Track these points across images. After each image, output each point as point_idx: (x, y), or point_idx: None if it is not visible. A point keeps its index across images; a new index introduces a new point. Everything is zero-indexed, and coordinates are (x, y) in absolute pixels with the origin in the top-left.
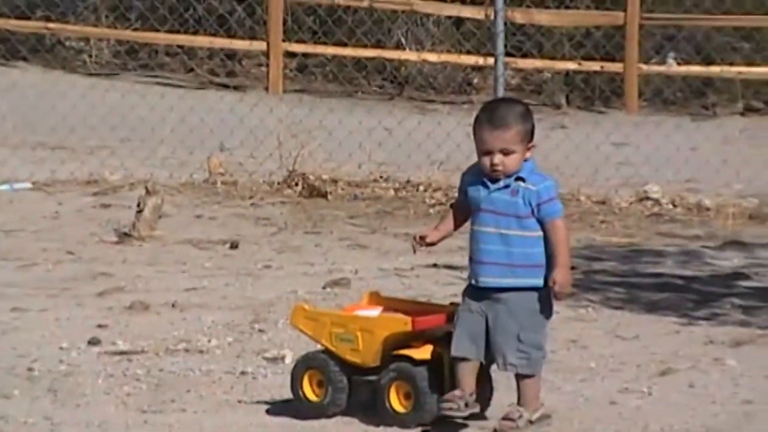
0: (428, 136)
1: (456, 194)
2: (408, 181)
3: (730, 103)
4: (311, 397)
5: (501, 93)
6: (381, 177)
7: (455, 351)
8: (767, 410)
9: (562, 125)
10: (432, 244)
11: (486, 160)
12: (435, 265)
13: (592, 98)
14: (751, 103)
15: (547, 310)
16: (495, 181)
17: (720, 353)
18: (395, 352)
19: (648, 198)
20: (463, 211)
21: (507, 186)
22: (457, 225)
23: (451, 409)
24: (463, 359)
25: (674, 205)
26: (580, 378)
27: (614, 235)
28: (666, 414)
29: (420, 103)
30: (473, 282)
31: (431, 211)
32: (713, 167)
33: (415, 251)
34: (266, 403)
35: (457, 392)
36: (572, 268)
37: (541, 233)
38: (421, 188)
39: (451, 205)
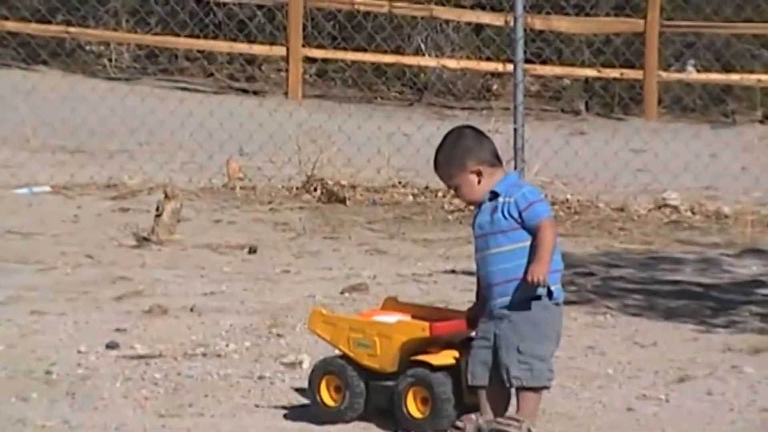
0: None
1: None
2: (427, 187)
3: (750, 111)
4: (329, 402)
5: (520, 99)
6: (400, 182)
7: (471, 381)
8: None
9: (581, 132)
10: None
11: None
12: (453, 271)
13: (611, 105)
14: None
15: (550, 319)
16: (476, 207)
17: (738, 361)
18: (413, 358)
19: (667, 205)
20: None
21: (485, 206)
22: None
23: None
24: (481, 387)
25: (693, 213)
26: (597, 384)
27: (633, 242)
28: (683, 421)
29: (439, 109)
30: (486, 307)
31: (449, 217)
32: (732, 175)
33: None
34: (283, 407)
35: (472, 416)
36: (591, 274)
37: (531, 243)
38: (440, 194)
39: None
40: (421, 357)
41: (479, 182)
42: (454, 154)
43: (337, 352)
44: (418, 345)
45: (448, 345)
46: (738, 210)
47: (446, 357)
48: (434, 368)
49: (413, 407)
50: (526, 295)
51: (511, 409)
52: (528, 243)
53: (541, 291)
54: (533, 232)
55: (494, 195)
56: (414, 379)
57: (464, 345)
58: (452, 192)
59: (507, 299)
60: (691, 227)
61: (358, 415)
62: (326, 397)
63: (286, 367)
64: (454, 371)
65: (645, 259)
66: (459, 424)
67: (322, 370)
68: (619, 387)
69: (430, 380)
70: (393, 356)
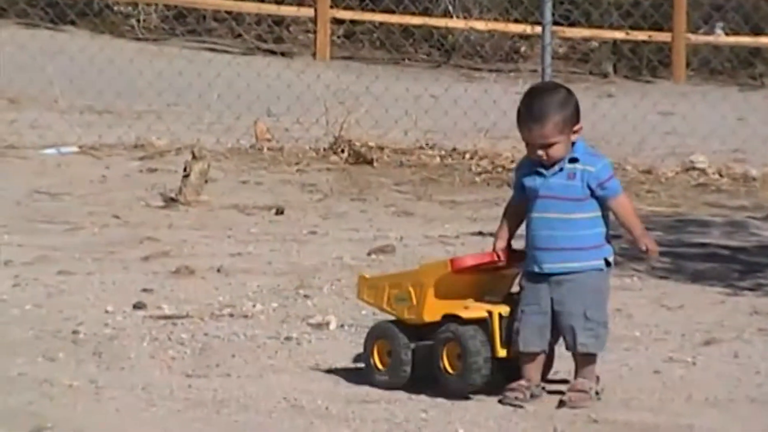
0: (475, 103)
1: (500, 163)
2: (454, 149)
3: None
4: (381, 367)
5: (548, 62)
6: (427, 144)
7: (523, 347)
8: None
9: (609, 94)
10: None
11: (530, 152)
12: (480, 233)
13: (639, 68)
14: None
15: (607, 287)
16: (549, 166)
17: (765, 323)
18: (447, 312)
19: (694, 168)
20: (522, 206)
21: (562, 170)
22: (520, 222)
23: (516, 398)
24: (530, 354)
25: (720, 176)
26: (624, 347)
27: (660, 204)
28: (710, 384)
29: (467, 71)
30: (536, 269)
31: (477, 179)
32: (760, 138)
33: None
34: (310, 368)
35: (523, 382)
36: (617, 236)
37: (599, 213)
38: (467, 156)
39: (506, 208)
40: (454, 311)
41: (573, 143)
42: (566, 108)
43: (388, 317)
44: (453, 289)
45: (506, 299)
46: (766, 173)
47: (478, 310)
48: (464, 321)
49: (448, 363)
50: (592, 265)
51: (562, 374)
52: (595, 214)
53: (601, 264)
54: (608, 204)
55: (574, 160)
56: (447, 334)
57: (514, 301)
58: (536, 148)
59: (571, 265)
60: (718, 190)
61: (407, 381)
62: (378, 362)
63: (313, 328)
64: (486, 325)
65: (672, 222)
66: (513, 387)
67: (374, 335)
68: (646, 349)
69: (459, 334)
70: (428, 304)
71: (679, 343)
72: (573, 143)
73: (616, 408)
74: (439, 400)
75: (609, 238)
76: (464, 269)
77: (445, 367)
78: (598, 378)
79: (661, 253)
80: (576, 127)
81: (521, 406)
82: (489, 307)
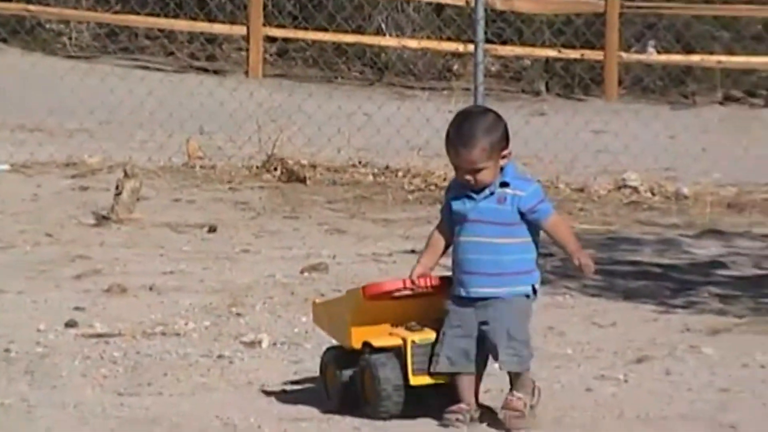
0: (407, 121)
1: (433, 180)
2: (387, 167)
3: (710, 92)
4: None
5: (481, 80)
6: (360, 162)
7: (448, 367)
8: (743, 398)
9: (542, 112)
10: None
11: (459, 176)
12: (413, 251)
13: (571, 85)
14: (730, 92)
15: (531, 310)
16: (479, 191)
17: (697, 341)
18: (365, 339)
19: (626, 186)
20: (450, 230)
21: (493, 194)
22: (447, 245)
23: (457, 420)
24: (459, 375)
25: (653, 193)
26: (556, 364)
27: (592, 222)
28: (642, 401)
29: (399, 89)
30: (462, 293)
31: (410, 197)
32: (692, 156)
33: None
34: (243, 386)
35: (463, 405)
36: (550, 255)
37: (529, 239)
38: (400, 174)
39: (432, 232)
40: (369, 338)
41: (501, 168)
42: (494, 135)
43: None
44: (377, 315)
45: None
46: (697, 191)
47: (393, 338)
48: (374, 350)
49: (364, 390)
50: (519, 291)
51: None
52: (525, 240)
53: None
54: (541, 227)
55: (504, 184)
56: (362, 363)
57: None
58: (464, 173)
59: (498, 290)
60: (650, 208)
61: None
62: (329, 382)
63: (245, 347)
64: (398, 351)
65: (605, 240)
66: (453, 409)
67: (326, 359)
68: (578, 367)
69: (371, 363)
70: (348, 332)
71: (611, 361)
72: (502, 168)
73: (549, 426)
74: (371, 420)
75: (538, 264)
76: (376, 296)
77: (365, 396)
78: (535, 389)
79: (593, 271)
80: (505, 152)
81: (460, 429)
82: (405, 333)
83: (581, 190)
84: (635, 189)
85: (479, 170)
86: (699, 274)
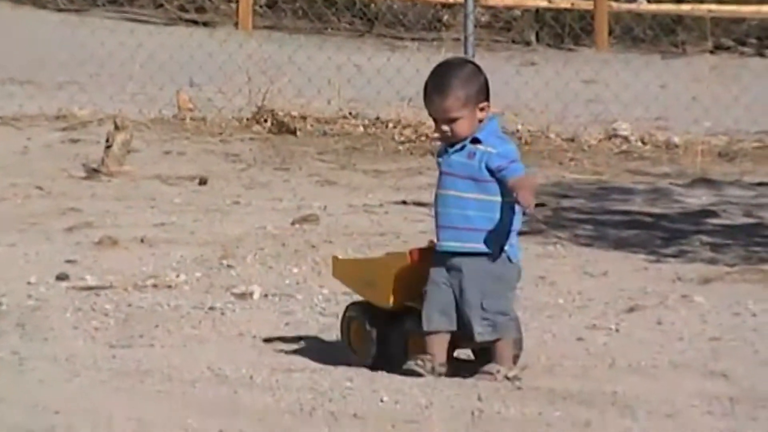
0: (398, 72)
1: (423, 131)
2: (377, 118)
3: (700, 41)
4: (355, 346)
5: (471, 30)
6: (350, 113)
7: (427, 326)
8: (734, 347)
9: (532, 62)
10: None
11: (437, 129)
12: (404, 202)
13: (561, 35)
14: (720, 41)
15: (511, 278)
16: (455, 143)
17: (688, 290)
18: (407, 304)
19: (617, 135)
20: None
21: (464, 147)
22: None
23: (417, 365)
24: (434, 332)
25: (643, 143)
26: (547, 314)
27: (583, 172)
28: (633, 350)
29: (389, 40)
30: (437, 248)
31: (400, 148)
32: (682, 105)
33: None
34: (235, 338)
35: (428, 356)
36: (542, 204)
37: (497, 199)
38: (390, 125)
39: None
40: (412, 303)
41: (480, 120)
42: (471, 85)
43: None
44: (414, 279)
45: None
46: (688, 140)
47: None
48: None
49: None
50: (485, 249)
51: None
52: (496, 198)
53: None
54: (506, 185)
55: (475, 140)
56: (409, 325)
57: None
58: (440, 124)
59: (464, 245)
60: (641, 157)
61: (373, 360)
62: (354, 341)
63: (236, 298)
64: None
65: (595, 189)
66: (416, 356)
67: (349, 315)
68: (569, 317)
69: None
70: (388, 290)
71: (602, 311)
72: (480, 121)
73: (540, 375)
74: (364, 369)
75: (510, 235)
76: (420, 260)
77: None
78: (516, 359)
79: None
80: (482, 105)
81: (421, 374)
82: None
83: (572, 140)
84: (626, 138)
85: (454, 120)
86: (690, 223)
